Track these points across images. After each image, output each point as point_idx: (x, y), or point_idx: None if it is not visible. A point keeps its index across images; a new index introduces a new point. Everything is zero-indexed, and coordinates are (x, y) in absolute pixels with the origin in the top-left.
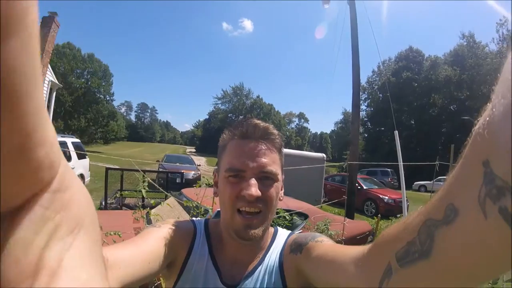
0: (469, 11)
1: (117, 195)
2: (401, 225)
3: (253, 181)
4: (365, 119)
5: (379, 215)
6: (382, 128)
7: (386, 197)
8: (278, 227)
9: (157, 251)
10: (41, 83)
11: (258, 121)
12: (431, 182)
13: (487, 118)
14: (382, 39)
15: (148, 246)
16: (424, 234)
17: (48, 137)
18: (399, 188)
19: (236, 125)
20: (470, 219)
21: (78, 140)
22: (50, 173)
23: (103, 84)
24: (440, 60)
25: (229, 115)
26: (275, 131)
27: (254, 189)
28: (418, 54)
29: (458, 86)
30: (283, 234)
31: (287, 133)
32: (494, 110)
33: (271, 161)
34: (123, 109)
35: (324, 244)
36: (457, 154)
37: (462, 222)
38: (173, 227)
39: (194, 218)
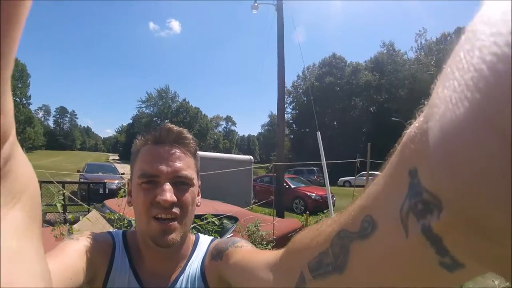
0: (390, 21)
1: None
2: (314, 232)
3: (168, 186)
4: (291, 121)
5: (307, 212)
6: (307, 130)
7: (313, 194)
8: (199, 234)
9: (78, 266)
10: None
11: (172, 126)
12: (354, 177)
13: (421, 119)
14: (307, 45)
15: (68, 261)
16: (337, 246)
17: (8, 104)
18: (325, 185)
19: (149, 131)
20: (389, 235)
21: None
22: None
23: (19, 86)
24: (361, 66)
25: (154, 119)
26: (189, 135)
27: (169, 195)
28: (341, 61)
29: (377, 90)
30: (204, 241)
31: (215, 136)
32: (429, 112)
33: (186, 165)
34: (40, 114)
35: (242, 250)
36: (374, 152)
37: (379, 238)
38: (92, 240)
39: (111, 230)
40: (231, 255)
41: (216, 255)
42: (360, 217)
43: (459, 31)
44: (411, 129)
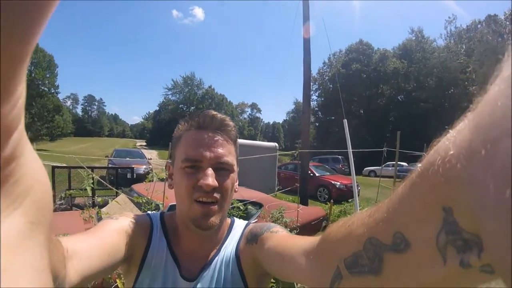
0: (420, 8)
1: (63, 195)
2: (346, 229)
3: (210, 171)
4: (316, 109)
5: (332, 201)
6: (333, 118)
7: (338, 183)
8: (234, 218)
9: (116, 243)
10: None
11: (215, 113)
12: (380, 167)
13: (453, 154)
14: (333, 31)
15: (107, 238)
16: (370, 251)
17: (16, 91)
18: (350, 174)
19: (192, 116)
20: (425, 257)
21: None
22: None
23: (48, 76)
24: (389, 53)
25: (180, 106)
26: (231, 123)
27: (211, 179)
28: (368, 47)
29: (405, 78)
30: (239, 225)
31: (240, 123)
32: (463, 152)
33: (228, 152)
34: (68, 103)
35: (278, 235)
36: (402, 141)
37: (415, 257)
38: (131, 220)
39: (149, 212)
40: (266, 239)
41: (251, 238)
42: (390, 231)
43: (489, 19)
44: (445, 153)
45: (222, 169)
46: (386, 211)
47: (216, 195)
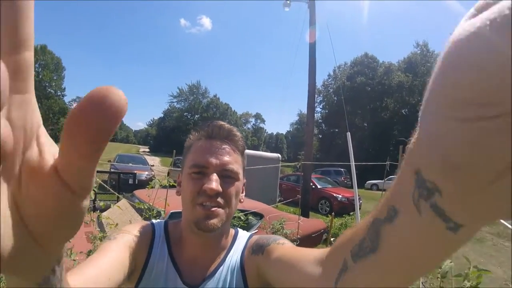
0: (425, 22)
1: None
2: (355, 228)
3: (215, 176)
4: (320, 120)
5: (333, 213)
6: (336, 130)
7: (340, 196)
8: (238, 228)
9: (118, 265)
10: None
11: (223, 123)
12: (382, 181)
13: (416, 136)
14: (339, 44)
15: (108, 262)
16: (372, 231)
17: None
18: (352, 187)
19: (202, 126)
20: (408, 217)
21: None
22: None
23: (55, 78)
24: (394, 67)
25: (184, 114)
26: (239, 134)
27: (215, 184)
28: (373, 60)
29: (410, 92)
30: (243, 236)
31: (244, 133)
32: (419, 128)
33: (233, 160)
34: (74, 105)
35: (284, 246)
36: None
37: (401, 219)
38: (131, 235)
39: (154, 220)
40: (273, 250)
41: (257, 249)
42: (386, 207)
43: None
44: (412, 141)
45: (227, 176)
46: (385, 195)
47: (220, 200)
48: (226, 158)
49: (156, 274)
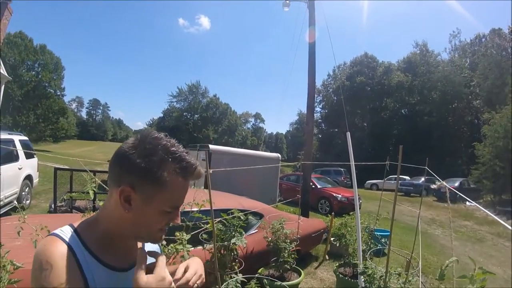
0: (425, 22)
1: (65, 197)
2: None
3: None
4: (320, 120)
5: (333, 213)
6: (336, 130)
7: (340, 196)
8: None
9: None
10: None
11: (196, 162)
12: (382, 181)
13: None
14: (339, 44)
15: None
16: None
17: None
18: (351, 186)
19: (178, 160)
20: None
21: (26, 138)
22: None
23: (54, 78)
24: (393, 67)
25: (184, 113)
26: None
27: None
28: (373, 60)
29: (409, 91)
30: None
31: (243, 133)
32: None
33: None
34: (73, 105)
35: None
36: (405, 154)
37: None
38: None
39: (57, 233)
40: None
41: None
42: None
43: (493, 33)
44: None
45: None
46: None
47: None
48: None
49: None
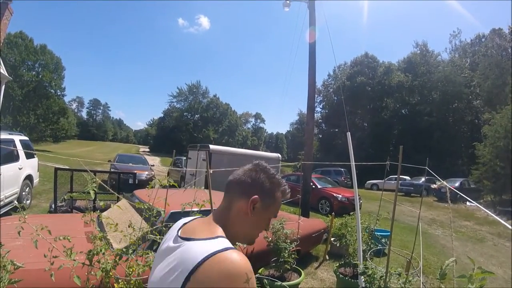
0: (424, 22)
1: (66, 197)
2: None
3: None
4: (320, 120)
5: (333, 213)
6: (336, 130)
7: (340, 196)
8: None
9: None
10: None
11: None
12: (382, 181)
13: None
14: (339, 44)
15: None
16: None
17: None
18: (352, 186)
19: (280, 184)
20: None
21: (26, 138)
22: None
23: (55, 78)
24: (393, 67)
25: (184, 113)
26: None
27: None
28: (373, 60)
29: (409, 91)
30: None
31: (244, 133)
32: None
33: None
34: (74, 105)
35: None
36: (406, 154)
37: None
38: None
39: (232, 246)
40: None
41: None
42: None
43: (494, 33)
44: None
45: None
46: None
47: None
48: None
49: None
